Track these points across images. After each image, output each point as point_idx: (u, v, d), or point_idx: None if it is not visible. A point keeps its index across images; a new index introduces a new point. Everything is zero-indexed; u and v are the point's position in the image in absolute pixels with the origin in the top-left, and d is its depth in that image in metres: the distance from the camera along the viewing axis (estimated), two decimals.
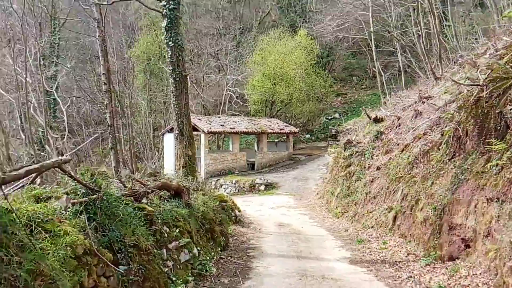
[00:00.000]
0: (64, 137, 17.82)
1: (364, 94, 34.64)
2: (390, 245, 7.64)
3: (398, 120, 12.26)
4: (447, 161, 7.30)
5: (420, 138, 10.05)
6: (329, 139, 29.72)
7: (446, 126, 8.68)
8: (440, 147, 7.97)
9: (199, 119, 23.78)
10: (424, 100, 12.12)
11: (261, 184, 20.28)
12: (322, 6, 27.19)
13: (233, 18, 33.74)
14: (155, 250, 4.90)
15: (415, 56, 21.69)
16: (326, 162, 22.92)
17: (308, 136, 32.25)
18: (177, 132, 10.11)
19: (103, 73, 12.58)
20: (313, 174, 21.34)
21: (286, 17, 31.52)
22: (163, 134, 26.02)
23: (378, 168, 11.23)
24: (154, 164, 28.99)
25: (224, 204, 9.38)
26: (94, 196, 4.10)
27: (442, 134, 8.13)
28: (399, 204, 8.65)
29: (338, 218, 12.01)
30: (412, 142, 10.39)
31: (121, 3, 31.21)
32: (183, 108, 10.03)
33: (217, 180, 22.10)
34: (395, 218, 8.61)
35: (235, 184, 21.11)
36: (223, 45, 29.02)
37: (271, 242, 8.99)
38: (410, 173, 9.00)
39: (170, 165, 25.13)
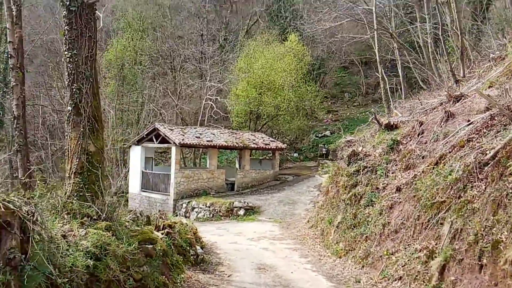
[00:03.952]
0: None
1: (357, 112, 32.20)
2: None
3: (421, 125, 9.26)
4: None
5: (463, 146, 7.01)
6: (319, 158, 27.12)
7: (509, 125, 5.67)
8: None
9: (171, 129, 20.36)
10: (455, 100, 9.20)
11: (240, 207, 16.81)
12: (315, 13, 24.70)
13: (218, 25, 31.07)
14: None
15: (419, 64, 19.15)
16: (317, 184, 19.90)
17: (296, 155, 29.18)
18: (70, 108, 5.53)
19: (9, 41, 8.67)
20: (302, 197, 18.15)
21: (276, 24, 28.92)
22: (129, 147, 22.42)
23: (399, 189, 8.07)
24: (120, 182, 25.38)
25: (150, 246, 5.42)
26: None
27: None
28: (450, 246, 5.42)
29: (340, 257, 8.67)
30: (449, 152, 7.33)
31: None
32: (82, 65, 5.43)
33: (188, 202, 18.53)
34: (443, 268, 5.35)
35: (209, 207, 17.56)
36: (205, 50, 26.04)
37: None
38: (460, 196, 5.84)
39: (136, 183, 21.50)
